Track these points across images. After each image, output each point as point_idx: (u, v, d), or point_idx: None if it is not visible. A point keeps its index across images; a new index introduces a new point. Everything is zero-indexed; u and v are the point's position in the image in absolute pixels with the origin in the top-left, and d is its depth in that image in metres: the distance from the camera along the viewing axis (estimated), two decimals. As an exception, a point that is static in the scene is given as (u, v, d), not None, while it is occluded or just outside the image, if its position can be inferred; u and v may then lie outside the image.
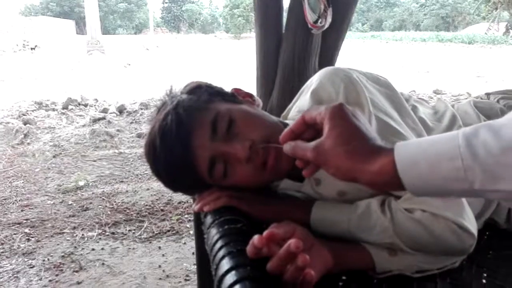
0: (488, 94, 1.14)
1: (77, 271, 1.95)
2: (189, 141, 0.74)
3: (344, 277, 0.71)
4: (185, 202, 2.68)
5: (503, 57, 15.77)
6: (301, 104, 0.86)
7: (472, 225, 0.70)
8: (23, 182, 3.14)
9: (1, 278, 1.91)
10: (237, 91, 0.87)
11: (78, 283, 1.87)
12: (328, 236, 0.74)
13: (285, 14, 2.62)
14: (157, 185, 2.95)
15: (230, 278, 0.51)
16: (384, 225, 0.70)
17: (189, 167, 0.75)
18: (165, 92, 0.85)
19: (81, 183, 3.04)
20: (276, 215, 0.73)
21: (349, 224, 0.73)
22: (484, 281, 0.74)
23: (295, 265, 0.53)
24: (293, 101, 0.91)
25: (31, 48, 17.40)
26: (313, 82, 0.83)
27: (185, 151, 0.74)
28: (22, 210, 2.64)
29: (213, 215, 0.72)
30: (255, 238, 0.55)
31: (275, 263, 0.55)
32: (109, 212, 2.58)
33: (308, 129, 0.59)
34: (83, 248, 2.16)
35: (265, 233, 0.56)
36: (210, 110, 0.76)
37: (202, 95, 0.80)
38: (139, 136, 4.35)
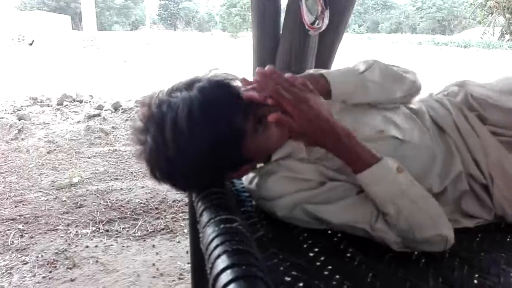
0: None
1: (70, 268, 1.94)
2: (233, 105, 0.79)
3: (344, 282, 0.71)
4: (179, 201, 2.68)
5: (498, 62, 15.87)
6: None
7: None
8: (17, 178, 3.12)
9: (-7, 274, 1.91)
10: None
11: (72, 280, 1.86)
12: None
13: (282, 15, 2.62)
14: (151, 183, 2.94)
15: (225, 277, 0.51)
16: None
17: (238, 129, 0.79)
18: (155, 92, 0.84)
19: (75, 180, 3.03)
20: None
21: None
22: (475, 281, 0.75)
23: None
24: None
25: (29, 44, 17.28)
26: None
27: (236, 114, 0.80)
28: (15, 206, 2.62)
29: (209, 214, 0.73)
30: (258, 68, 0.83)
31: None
32: (103, 210, 2.58)
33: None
34: (76, 245, 2.15)
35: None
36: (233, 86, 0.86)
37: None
38: (134, 133, 4.33)
